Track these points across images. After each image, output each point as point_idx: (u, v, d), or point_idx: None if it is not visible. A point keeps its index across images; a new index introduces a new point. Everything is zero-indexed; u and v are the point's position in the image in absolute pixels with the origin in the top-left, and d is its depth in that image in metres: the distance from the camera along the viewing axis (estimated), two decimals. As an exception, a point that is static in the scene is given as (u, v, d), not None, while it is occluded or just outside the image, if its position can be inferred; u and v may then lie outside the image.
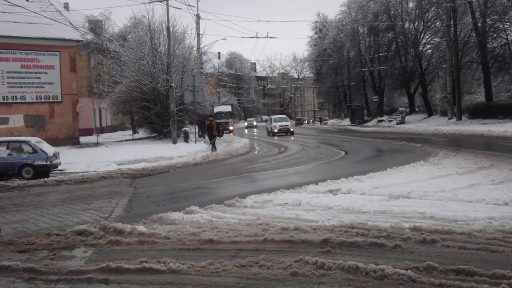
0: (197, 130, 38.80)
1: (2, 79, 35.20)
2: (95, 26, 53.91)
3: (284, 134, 50.60)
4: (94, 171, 20.87)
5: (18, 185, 17.88)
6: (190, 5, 56.66)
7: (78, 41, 41.11)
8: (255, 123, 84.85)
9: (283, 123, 53.02)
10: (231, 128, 60.12)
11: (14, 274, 7.32)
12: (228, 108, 64.25)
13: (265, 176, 18.38)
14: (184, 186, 16.31)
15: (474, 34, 48.74)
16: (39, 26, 36.13)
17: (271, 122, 54.16)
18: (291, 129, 51.93)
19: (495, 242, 7.85)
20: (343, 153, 26.39)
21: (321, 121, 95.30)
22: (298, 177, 17.45)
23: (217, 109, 61.09)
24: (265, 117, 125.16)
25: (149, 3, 35.74)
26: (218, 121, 50.13)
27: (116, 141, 43.38)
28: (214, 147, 29.37)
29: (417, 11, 60.15)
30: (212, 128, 30.15)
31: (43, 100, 36.90)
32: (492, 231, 8.50)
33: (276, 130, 51.22)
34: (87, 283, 6.84)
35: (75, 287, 6.74)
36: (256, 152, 30.00)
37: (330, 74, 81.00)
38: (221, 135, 42.45)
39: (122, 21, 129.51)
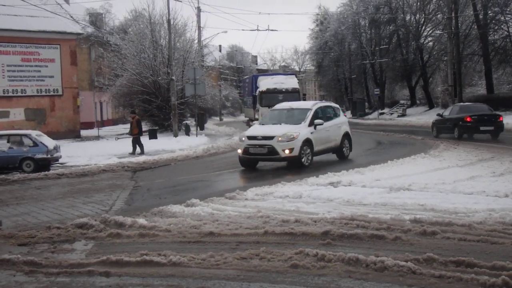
0: (198, 123, 38.74)
1: (3, 72, 35.20)
2: (96, 19, 53.83)
3: None
4: (95, 164, 20.88)
5: (19, 179, 17.92)
6: (191, -2, 56.28)
7: (79, 34, 41.08)
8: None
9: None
10: None
11: (14, 267, 7.34)
12: (290, 83, 34.40)
13: (265, 168, 18.37)
14: (185, 179, 16.33)
15: (476, 27, 48.62)
16: (39, 19, 36.07)
17: None
18: None
19: (495, 234, 7.86)
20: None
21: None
22: (298, 169, 17.43)
23: (264, 84, 34.12)
24: None
25: (150, -4, 35.68)
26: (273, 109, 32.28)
27: (117, 134, 43.35)
28: (133, 149, 25.42)
29: (419, 3, 59.89)
30: (132, 127, 26.16)
31: (43, 93, 36.90)
32: (493, 223, 8.51)
33: None
34: (88, 276, 6.85)
35: (75, 280, 6.75)
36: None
37: (331, 67, 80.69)
38: (154, 135, 32.38)
39: (123, 14, 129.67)
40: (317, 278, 6.38)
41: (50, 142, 21.00)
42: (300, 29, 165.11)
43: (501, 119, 27.13)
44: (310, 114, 18.40)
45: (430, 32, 60.61)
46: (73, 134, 37.29)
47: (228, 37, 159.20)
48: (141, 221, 9.66)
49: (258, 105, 33.64)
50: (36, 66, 36.58)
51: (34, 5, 35.14)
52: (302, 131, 17.61)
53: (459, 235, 7.89)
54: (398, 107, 67.01)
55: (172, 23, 35.33)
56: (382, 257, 6.71)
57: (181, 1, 60.08)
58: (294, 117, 18.78)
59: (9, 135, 20.85)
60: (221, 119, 79.97)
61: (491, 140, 24.98)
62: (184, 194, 13.13)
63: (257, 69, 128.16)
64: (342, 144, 19.55)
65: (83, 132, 40.26)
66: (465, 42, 50.80)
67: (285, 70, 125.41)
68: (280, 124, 18.47)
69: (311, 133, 17.91)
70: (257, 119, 32.23)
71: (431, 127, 32.06)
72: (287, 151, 16.97)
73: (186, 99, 37.18)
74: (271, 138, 17.31)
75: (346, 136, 19.94)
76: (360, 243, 7.73)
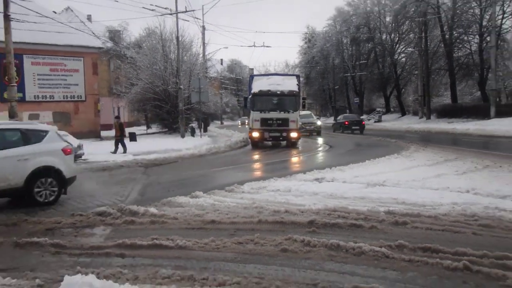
0: (202, 126, 38.69)
1: (34, 80, 35.17)
2: (114, 35, 53.78)
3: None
4: (113, 161, 20.78)
5: (47, 173, 17.81)
6: (196, 18, 56.23)
7: (100, 48, 40.93)
8: (246, 121, 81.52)
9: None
10: (293, 134, 25.73)
11: (42, 249, 7.34)
12: (287, 84, 26.47)
13: (260, 166, 18.39)
14: (190, 174, 16.30)
15: (443, 45, 48.80)
16: (65, 35, 35.97)
17: None
18: None
19: (458, 224, 7.91)
20: (328, 146, 26.37)
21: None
22: (288, 167, 17.45)
23: (258, 85, 26.50)
24: None
25: (161, 15, 35.60)
26: (263, 116, 25.31)
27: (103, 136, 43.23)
28: (115, 148, 24.32)
29: (393, 24, 60.05)
30: (115, 129, 25.15)
31: (69, 99, 36.84)
32: (455, 215, 8.54)
33: None
34: (106, 257, 6.86)
35: (95, 260, 6.75)
36: (252, 146, 29.84)
37: (317, 79, 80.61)
38: (134, 138, 29.17)
39: (138, 31, 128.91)
40: (303, 261, 6.39)
41: (74, 141, 20.90)
42: (290, 46, 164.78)
43: (363, 123, 41.35)
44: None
45: (403, 49, 60.83)
46: (94, 134, 37.09)
47: (229, 52, 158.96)
48: (152, 210, 9.65)
49: (250, 109, 26.40)
50: (62, 75, 36.56)
51: (61, 23, 35.12)
52: None
53: (426, 225, 7.92)
54: (374, 114, 66.97)
55: (180, 39, 35.28)
56: (360, 243, 6.74)
57: (188, 21, 59.04)
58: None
59: (38, 135, 20.71)
60: (222, 123, 79.93)
61: (456, 143, 25.00)
62: (189, 187, 13.10)
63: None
64: (31, 186, 10.88)
65: (103, 133, 40.03)
66: (433, 58, 51.00)
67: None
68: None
69: None
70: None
71: (331, 127, 45.89)
72: None
73: (192, 105, 37.14)
74: None
75: (47, 172, 11.11)
76: (341, 231, 7.74)
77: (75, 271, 6.03)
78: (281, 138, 25.95)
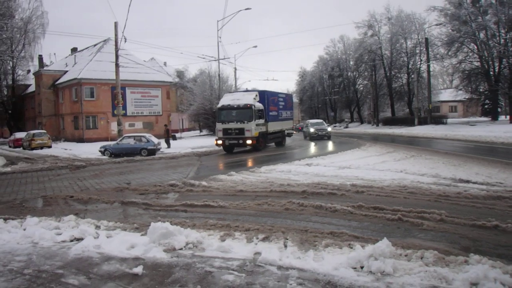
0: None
1: (131, 103, 35.81)
2: (180, 74, 53.99)
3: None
4: (179, 152, 20.95)
5: (139, 160, 18.06)
6: (230, 62, 56.67)
7: (171, 82, 41.19)
8: None
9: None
10: (248, 141, 19.72)
11: (137, 206, 7.47)
12: (245, 99, 20.25)
13: (271, 155, 18.32)
14: (227, 161, 16.37)
15: (385, 79, 48.40)
16: (150, 74, 36.39)
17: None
18: None
19: (395, 192, 7.83)
20: (313, 143, 26.20)
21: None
22: (289, 156, 17.38)
23: (222, 101, 21.20)
24: None
25: (209, 61, 35.99)
26: (224, 127, 19.93)
27: (190, 136, 43.47)
28: (168, 144, 25.03)
29: (355, 66, 59.34)
30: (164, 132, 25.85)
31: (152, 114, 37.29)
32: (394, 186, 8.47)
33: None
34: (175, 212, 6.95)
35: (169, 213, 6.85)
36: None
37: (307, 100, 79.78)
38: (174, 138, 25.69)
39: (194, 71, 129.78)
40: (299, 215, 6.40)
41: (155, 140, 21.11)
42: (290, 79, 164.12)
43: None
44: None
45: (361, 82, 60.31)
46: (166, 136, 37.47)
47: (251, 83, 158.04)
48: (204, 183, 9.72)
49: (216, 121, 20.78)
50: (148, 99, 37.05)
51: (148, 67, 35.65)
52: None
53: (376, 192, 7.87)
54: (344, 122, 66.28)
55: (220, 76, 35.39)
56: (334, 204, 6.72)
57: (225, 64, 58.44)
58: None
59: (134, 136, 21.04)
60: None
61: (394, 141, 24.67)
62: (226, 169, 13.18)
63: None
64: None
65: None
66: (379, 88, 50.48)
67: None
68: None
69: None
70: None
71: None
72: None
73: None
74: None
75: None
76: (323, 197, 7.72)
77: (157, 220, 6.14)
78: (238, 145, 20.41)
